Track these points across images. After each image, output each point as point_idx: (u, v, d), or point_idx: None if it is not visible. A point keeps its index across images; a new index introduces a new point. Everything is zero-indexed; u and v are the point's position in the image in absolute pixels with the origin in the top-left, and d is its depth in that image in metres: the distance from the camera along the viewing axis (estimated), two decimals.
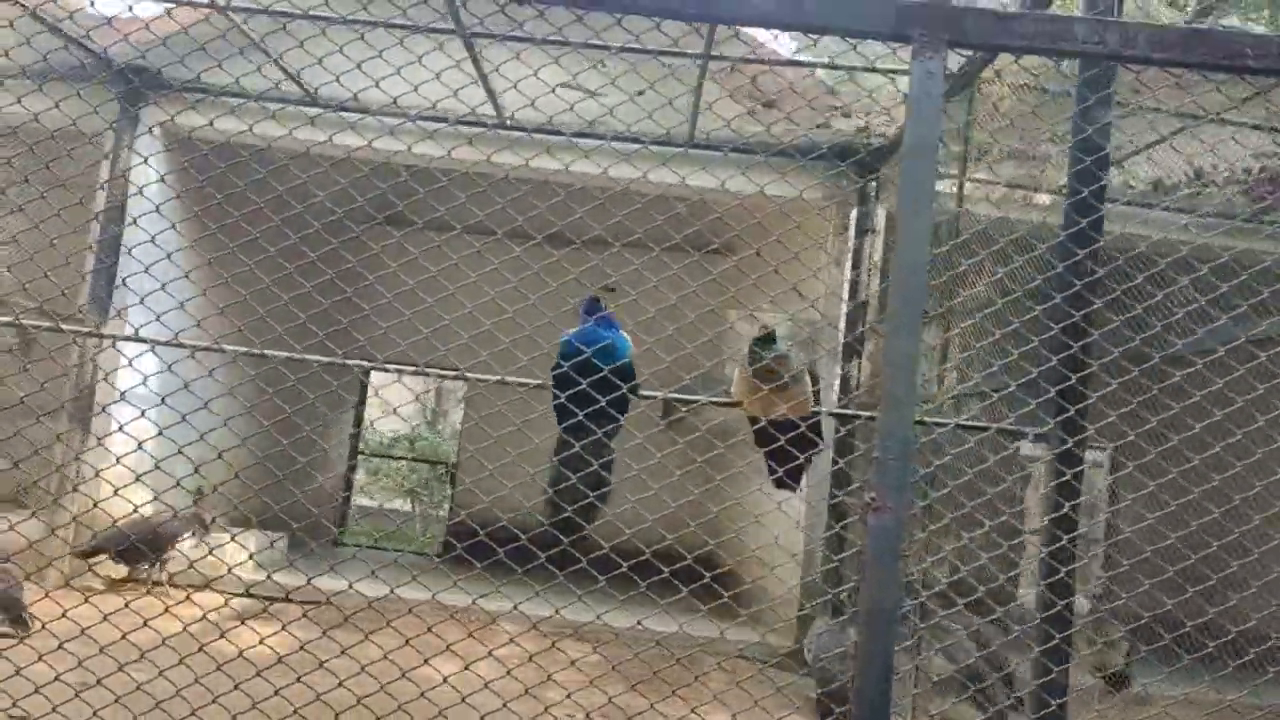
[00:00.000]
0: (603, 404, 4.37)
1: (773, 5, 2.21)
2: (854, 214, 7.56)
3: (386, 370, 4.94)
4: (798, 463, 4.52)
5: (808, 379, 4.45)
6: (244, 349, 4.85)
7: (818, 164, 7.45)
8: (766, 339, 4.39)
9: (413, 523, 13.58)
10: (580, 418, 4.38)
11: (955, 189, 6.22)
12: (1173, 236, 6.59)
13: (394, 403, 15.17)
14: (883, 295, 7.23)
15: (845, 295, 7.58)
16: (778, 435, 4.40)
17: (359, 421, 12.12)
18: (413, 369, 5.35)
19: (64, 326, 5.56)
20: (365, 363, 5.28)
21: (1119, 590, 4.67)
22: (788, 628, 7.63)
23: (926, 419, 5.49)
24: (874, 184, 7.43)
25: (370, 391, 12.25)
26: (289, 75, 7.40)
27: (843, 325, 7.54)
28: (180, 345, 4.74)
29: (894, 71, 6.45)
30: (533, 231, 6.85)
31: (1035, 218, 6.52)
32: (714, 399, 4.69)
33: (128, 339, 5.13)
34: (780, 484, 4.68)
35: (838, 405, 7.42)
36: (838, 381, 7.55)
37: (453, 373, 4.74)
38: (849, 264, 7.49)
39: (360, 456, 12.76)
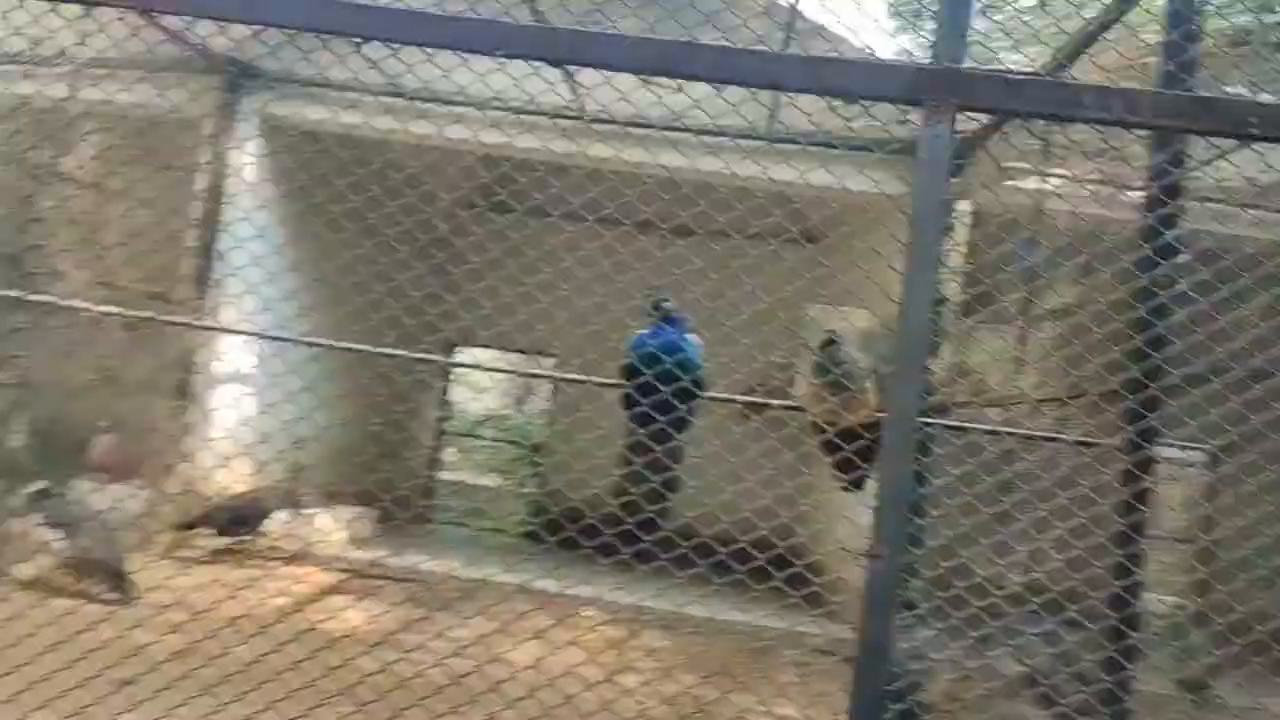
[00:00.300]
0: (649, 405, 4.47)
1: (793, 71, 2.32)
2: None
3: (457, 366, 5.15)
4: (862, 466, 4.57)
5: (870, 383, 4.48)
6: (333, 342, 5.11)
7: (898, 158, 7.44)
8: (828, 345, 4.44)
9: (500, 499, 13.91)
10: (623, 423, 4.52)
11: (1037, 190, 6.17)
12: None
13: (483, 383, 15.58)
14: (965, 295, 7.21)
15: None
16: (841, 439, 4.46)
17: (445, 401, 12.47)
18: (475, 365, 5.55)
19: (176, 319, 5.90)
20: (441, 359, 5.49)
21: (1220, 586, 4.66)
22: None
23: (1002, 429, 5.51)
24: (953, 179, 7.36)
25: (458, 372, 12.61)
26: (377, 67, 7.64)
27: None
28: (280, 339, 5.00)
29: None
30: (622, 219, 6.98)
31: (1125, 215, 6.42)
32: (784, 403, 4.76)
33: (238, 332, 5.41)
34: (844, 486, 4.74)
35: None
36: None
37: (509, 369, 4.97)
38: None
39: (446, 435, 13.12)
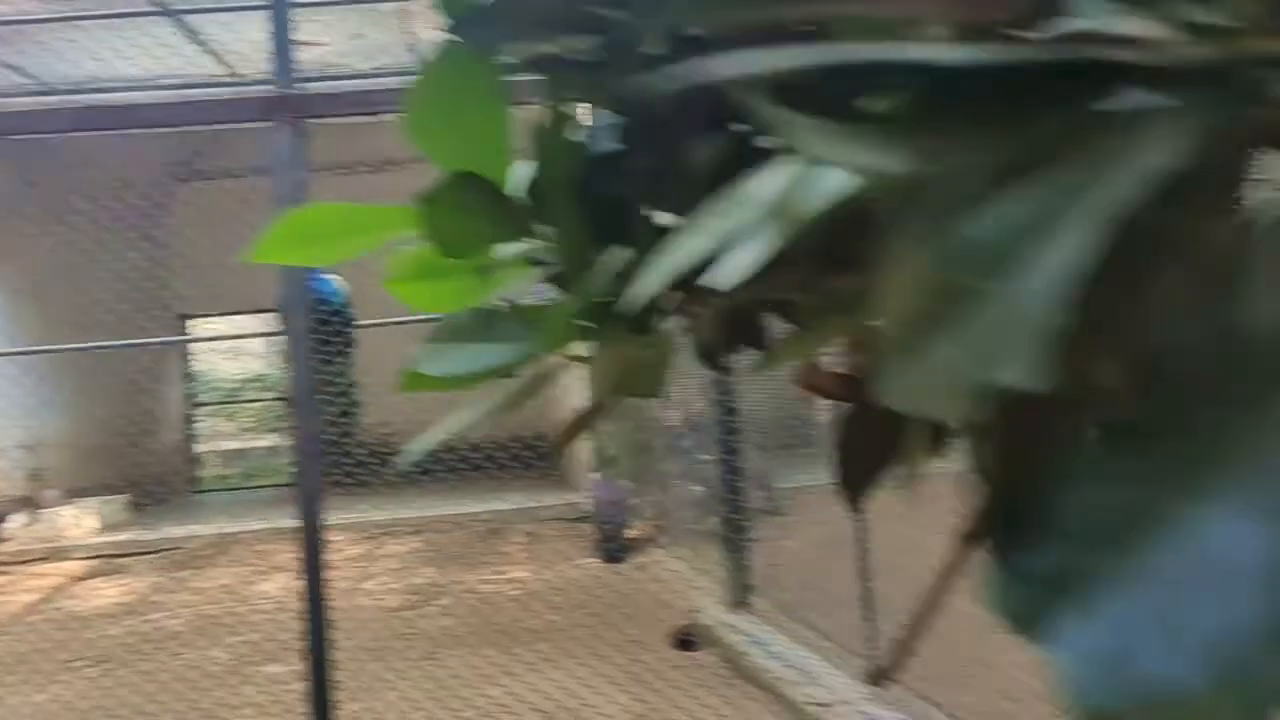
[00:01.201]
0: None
1: (176, 113, 3.03)
2: None
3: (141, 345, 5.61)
4: None
5: None
6: (26, 349, 5.46)
7: None
8: None
9: (279, 455, 14.15)
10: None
11: None
12: None
13: (242, 347, 15.63)
14: None
15: None
16: None
17: (189, 374, 12.61)
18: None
19: None
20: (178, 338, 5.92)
21: None
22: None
23: None
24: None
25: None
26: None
27: None
28: None
29: None
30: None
31: None
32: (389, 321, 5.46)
33: None
34: None
35: None
36: None
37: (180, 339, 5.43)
38: None
39: (200, 407, 13.28)
